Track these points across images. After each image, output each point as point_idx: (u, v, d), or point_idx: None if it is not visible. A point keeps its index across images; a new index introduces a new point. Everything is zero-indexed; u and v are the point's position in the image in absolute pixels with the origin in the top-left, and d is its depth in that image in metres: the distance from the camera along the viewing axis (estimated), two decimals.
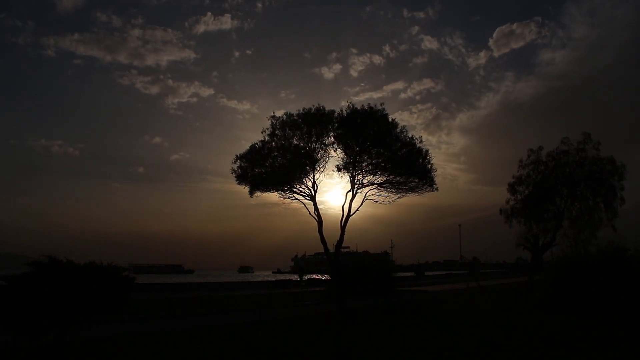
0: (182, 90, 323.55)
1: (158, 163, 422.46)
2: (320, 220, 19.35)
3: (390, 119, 18.59)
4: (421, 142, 19.05)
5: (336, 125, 18.57)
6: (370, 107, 18.50)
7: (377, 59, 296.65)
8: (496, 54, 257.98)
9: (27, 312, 8.30)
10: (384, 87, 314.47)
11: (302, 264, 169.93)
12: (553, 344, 10.01)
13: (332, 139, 18.84)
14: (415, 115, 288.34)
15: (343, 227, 19.33)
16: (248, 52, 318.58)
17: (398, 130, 18.67)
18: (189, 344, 10.43)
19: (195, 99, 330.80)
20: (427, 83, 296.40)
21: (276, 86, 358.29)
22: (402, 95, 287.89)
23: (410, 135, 18.86)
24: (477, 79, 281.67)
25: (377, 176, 19.35)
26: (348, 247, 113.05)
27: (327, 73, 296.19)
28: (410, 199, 21.00)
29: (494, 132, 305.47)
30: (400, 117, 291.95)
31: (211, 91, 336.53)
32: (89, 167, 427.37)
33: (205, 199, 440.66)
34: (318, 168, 19.10)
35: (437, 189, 19.80)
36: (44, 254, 8.78)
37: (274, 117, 19.10)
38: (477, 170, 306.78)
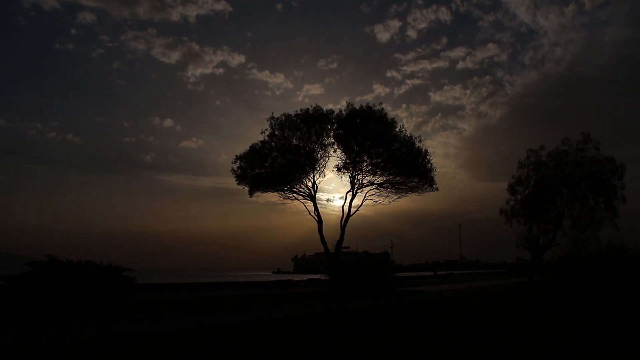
0: (207, 57, 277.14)
1: (165, 151, 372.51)
2: (320, 220, 19.36)
3: (389, 119, 18.62)
4: (420, 141, 19.09)
5: (335, 125, 18.59)
6: (370, 107, 18.52)
7: (444, 15, 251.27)
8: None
9: (27, 312, 8.30)
10: (443, 54, 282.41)
11: (302, 263, 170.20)
12: (553, 344, 10.01)
13: (332, 139, 18.87)
14: (468, 92, 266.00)
15: (343, 227, 19.33)
16: (294, 3, 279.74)
17: (397, 129, 18.69)
18: (188, 344, 10.43)
19: (221, 70, 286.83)
20: (491, 49, 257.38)
21: (316, 52, 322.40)
22: (460, 65, 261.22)
23: (409, 135, 18.88)
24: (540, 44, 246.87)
25: (377, 176, 19.40)
26: (348, 247, 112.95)
27: (382, 32, 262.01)
28: (411, 199, 21.02)
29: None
30: (452, 94, 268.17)
31: (242, 59, 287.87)
32: (88, 156, 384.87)
33: (206, 199, 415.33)
34: (318, 168, 19.13)
35: (437, 189, 19.83)
36: (43, 253, 8.79)
37: (272, 117, 19.13)
38: None
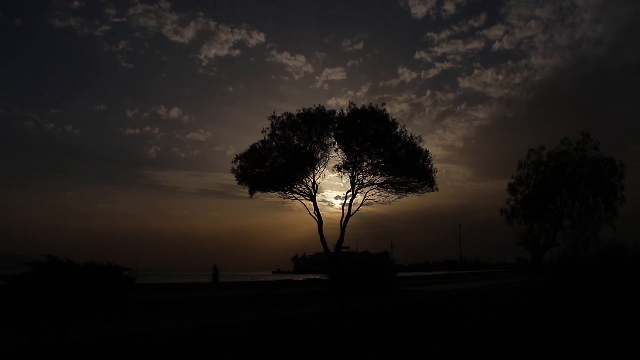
0: (223, 35, 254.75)
1: (170, 144, 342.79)
2: (320, 220, 19.38)
3: (390, 119, 18.64)
4: (421, 141, 19.11)
5: (336, 125, 18.62)
6: (372, 107, 18.56)
7: None
8: None
9: (27, 312, 8.29)
10: (479, 32, 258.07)
11: (302, 263, 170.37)
12: (553, 343, 10.01)
13: (332, 139, 18.90)
14: (501, 77, 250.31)
15: (343, 227, 19.34)
16: None
17: (398, 130, 18.72)
18: (188, 344, 10.43)
19: (237, 52, 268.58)
20: (534, 27, 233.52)
21: (342, 29, 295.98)
22: (496, 46, 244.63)
23: (410, 135, 18.92)
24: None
25: (377, 176, 19.42)
26: (348, 247, 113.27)
27: (417, 6, 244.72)
28: (411, 199, 21.04)
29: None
30: (482, 79, 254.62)
31: (261, 37, 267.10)
32: (89, 150, 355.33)
33: (210, 197, 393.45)
34: (318, 168, 19.16)
35: (437, 189, 19.86)
36: (44, 253, 8.79)
37: (274, 117, 19.15)
38: None
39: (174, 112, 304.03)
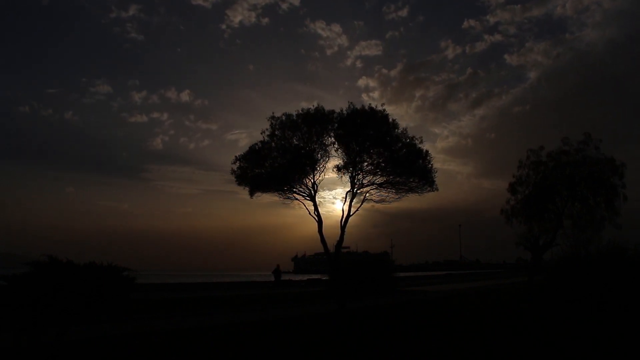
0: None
1: (178, 133, 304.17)
2: (320, 221, 19.38)
3: (390, 120, 18.66)
4: (421, 142, 19.12)
5: (336, 125, 18.64)
6: (371, 108, 18.58)
7: None
8: None
9: (27, 312, 8.30)
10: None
11: (302, 263, 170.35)
12: (553, 343, 10.01)
13: (332, 139, 18.90)
14: (555, 53, 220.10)
15: (343, 227, 19.35)
16: None
17: (398, 130, 18.73)
18: (188, 344, 10.43)
19: (266, 19, 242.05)
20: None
21: None
22: (559, 11, 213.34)
23: (410, 136, 18.94)
24: None
25: (377, 176, 19.41)
26: (348, 247, 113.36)
27: None
28: (411, 199, 21.03)
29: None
30: (532, 56, 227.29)
31: (296, 1, 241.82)
32: (90, 141, 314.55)
33: (215, 195, 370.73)
34: (318, 168, 19.16)
35: (437, 189, 19.86)
36: (44, 253, 8.81)
37: (273, 117, 19.17)
38: None
39: (185, 96, 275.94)
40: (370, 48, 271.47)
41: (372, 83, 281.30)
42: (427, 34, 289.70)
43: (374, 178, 19.44)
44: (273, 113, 19.19)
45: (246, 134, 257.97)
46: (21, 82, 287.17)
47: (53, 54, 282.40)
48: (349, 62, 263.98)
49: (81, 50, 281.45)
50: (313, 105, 18.84)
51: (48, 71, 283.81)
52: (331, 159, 19.25)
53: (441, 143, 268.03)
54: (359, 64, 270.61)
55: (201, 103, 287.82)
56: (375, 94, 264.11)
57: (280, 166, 18.77)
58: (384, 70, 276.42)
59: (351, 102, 18.85)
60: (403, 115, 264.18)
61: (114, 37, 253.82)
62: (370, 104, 18.78)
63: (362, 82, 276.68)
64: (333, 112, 18.81)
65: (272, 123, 19.14)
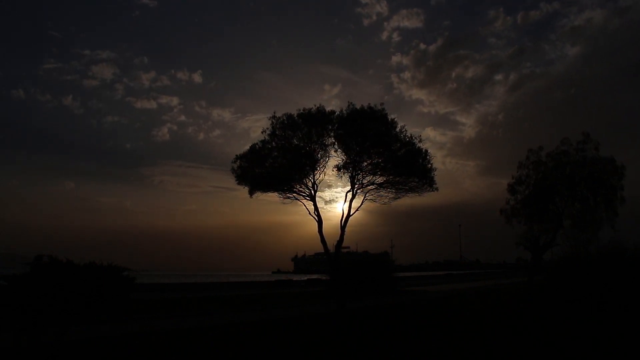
0: None
1: (187, 121, 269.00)
2: (320, 220, 19.37)
3: (390, 119, 18.65)
4: (421, 141, 19.11)
5: (336, 125, 18.63)
6: (371, 107, 18.56)
7: None
8: None
9: (27, 312, 8.30)
10: None
11: (302, 263, 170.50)
12: (553, 343, 10.01)
13: (332, 139, 18.88)
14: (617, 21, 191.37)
15: (343, 227, 19.34)
16: None
17: (398, 130, 18.72)
18: (188, 344, 10.43)
19: None
20: None
21: None
22: None
23: (410, 135, 18.92)
24: None
25: (377, 176, 19.39)
26: (348, 247, 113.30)
27: None
28: (411, 199, 21.00)
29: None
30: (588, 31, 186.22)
31: None
32: (90, 130, 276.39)
33: (218, 192, 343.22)
34: (318, 168, 19.14)
35: (437, 189, 19.83)
36: (44, 253, 8.81)
37: (274, 117, 19.16)
38: None
39: (197, 77, 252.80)
40: (411, 18, 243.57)
41: (405, 61, 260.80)
42: (477, 1, 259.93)
43: (374, 178, 19.43)
44: (274, 112, 19.22)
45: (260, 125, 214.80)
46: (13, 55, 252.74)
47: (52, 23, 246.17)
48: (384, 35, 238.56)
49: (82, 21, 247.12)
50: (315, 105, 18.78)
51: (46, 40, 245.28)
52: (331, 158, 19.25)
53: (469, 132, 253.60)
54: (395, 37, 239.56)
55: (215, 86, 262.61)
56: (407, 75, 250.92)
57: (280, 166, 18.76)
58: (422, 46, 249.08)
59: (351, 102, 18.85)
60: (433, 101, 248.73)
61: (121, 6, 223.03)
62: (369, 103, 18.78)
63: (395, 59, 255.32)
64: (333, 112, 18.86)
65: (272, 122, 19.14)
